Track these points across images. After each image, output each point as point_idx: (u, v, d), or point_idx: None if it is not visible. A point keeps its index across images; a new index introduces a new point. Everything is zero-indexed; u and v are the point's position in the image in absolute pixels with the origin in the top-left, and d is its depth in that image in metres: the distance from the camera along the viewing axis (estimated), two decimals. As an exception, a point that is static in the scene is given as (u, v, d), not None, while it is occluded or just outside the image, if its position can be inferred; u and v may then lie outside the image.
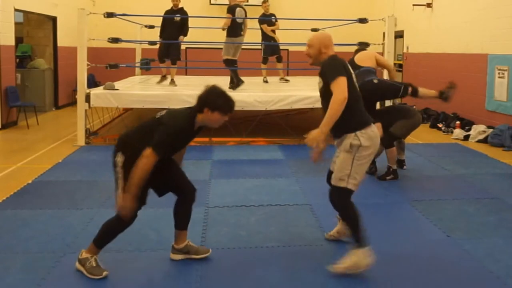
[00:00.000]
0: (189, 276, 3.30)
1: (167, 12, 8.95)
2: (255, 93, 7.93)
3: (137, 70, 12.09)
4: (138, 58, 11.91)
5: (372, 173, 5.81)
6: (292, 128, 8.02)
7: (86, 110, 7.62)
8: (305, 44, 3.43)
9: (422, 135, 8.42)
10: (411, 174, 6.00)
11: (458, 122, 8.93)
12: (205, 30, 11.14)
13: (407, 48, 12.26)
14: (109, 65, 8.22)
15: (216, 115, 3.13)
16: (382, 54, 8.52)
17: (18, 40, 10.90)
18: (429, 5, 10.90)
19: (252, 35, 10.05)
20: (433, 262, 3.52)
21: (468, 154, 7.23)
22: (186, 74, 12.37)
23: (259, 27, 10.19)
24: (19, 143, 7.76)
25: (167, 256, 3.53)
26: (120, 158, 3.17)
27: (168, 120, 3.13)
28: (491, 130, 8.11)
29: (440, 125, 9.49)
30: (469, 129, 8.60)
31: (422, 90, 5.64)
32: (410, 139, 6.56)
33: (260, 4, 10.86)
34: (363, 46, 8.05)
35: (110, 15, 8.17)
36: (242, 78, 8.60)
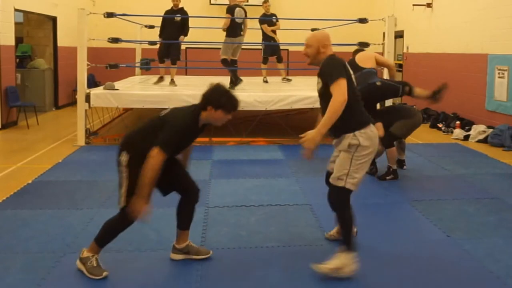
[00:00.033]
0: (189, 276, 3.30)
1: (167, 12, 8.94)
2: (255, 93, 7.93)
3: (137, 70, 12.09)
4: (138, 58, 11.91)
5: (373, 174, 5.81)
6: (292, 128, 8.02)
7: (86, 110, 7.62)
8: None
9: (422, 135, 8.42)
10: (411, 174, 6.00)
11: (458, 122, 8.93)
12: (205, 30, 11.14)
13: (407, 48, 12.26)
14: (109, 65, 8.22)
15: (220, 113, 3.13)
16: (382, 54, 8.53)
17: (18, 40, 10.90)
18: (429, 5, 10.90)
19: (252, 35, 10.06)
20: (433, 262, 3.52)
21: (468, 154, 7.23)
22: (186, 74, 12.37)
23: (259, 27, 10.18)
24: (19, 143, 7.76)
25: (167, 256, 3.53)
26: (124, 157, 3.16)
27: (172, 118, 3.13)
28: (491, 130, 8.11)
29: (440, 125, 9.49)
30: (469, 129, 8.60)
31: (417, 90, 5.69)
32: (410, 139, 6.56)
33: (260, 4, 10.87)
34: (363, 46, 8.08)
35: (110, 15, 8.17)
36: (242, 78, 8.60)
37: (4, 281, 3.19)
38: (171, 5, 8.89)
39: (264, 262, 3.50)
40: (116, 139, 7.82)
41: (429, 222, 4.33)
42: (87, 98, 7.58)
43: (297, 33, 10.46)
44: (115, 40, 8.37)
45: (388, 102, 7.53)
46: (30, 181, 5.50)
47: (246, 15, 8.94)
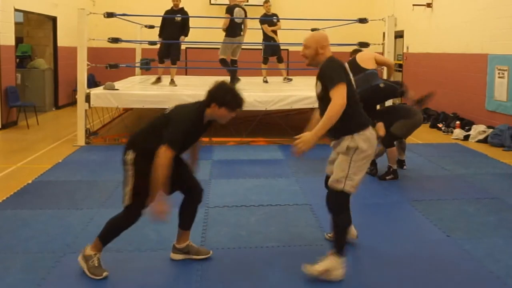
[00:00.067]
0: (189, 276, 3.30)
1: (167, 12, 8.93)
2: (255, 93, 7.93)
3: (137, 70, 12.09)
4: (138, 58, 11.91)
5: (373, 175, 5.81)
6: (292, 128, 8.01)
7: (86, 110, 7.62)
8: (305, 44, 3.40)
9: (422, 135, 8.42)
10: (411, 174, 6.00)
11: (458, 122, 8.93)
12: (205, 30, 11.14)
13: (407, 48, 12.26)
14: (109, 65, 8.22)
15: (223, 110, 3.13)
16: (382, 54, 8.53)
17: (18, 40, 10.90)
18: (429, 5, 10.90)
19: (252, 35, 10.05)
20: (433, 262, 3.52)
21: (468, 154, 7.23)
22: (186, 74, 12.37)
23: (259, 27, 10.18)
24: (19, 143, 7.76)
25: (167, 256, 3.53)
26: (130, 156, 3.16)
27: (176, 115, 3.13)
28: (491, 130, 8.11)
29: (440, 125, 9.49)
30: (469, 129, 8.60)
31: (411, 93, 5.83)
32: (410, 139, 6.56)
33: (261, 4, 10.86)
34: (363, 46, 8.07)
35: (110, 15, 8.17)
36: (243, 78, 8.61)
37: (4, 281, 3.19)
38: (171, 5, 8.88)
39: (264, 262, 3.50)
40: (116, 139, 7.83)
41: (429, 222, 4.33)
42: (87, 98, 7.58)
43: (297, 33, 10.45)
44: (115, 40, 8.37)
45: (388, 102, 7.53)
46: (30, 181, 5.50)
47: (246, 15, 8.94)
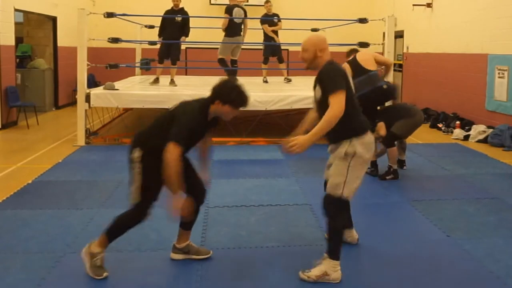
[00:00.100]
0: (189, 276, 3.30)
1: (167, 12, 8.93)
2: (255, 93, 7.92)
3: (137, 70, 12.09)
4: (138, 58, 11.91)
5: (374, 175, 5.81)
6: (292, 128, 8.00)
7: (86, 110, 7.62)
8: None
9: (422, 135, 8.42)
10: (411, 174, 6.00)
11: (458, 122, 8.93)
12: (205, 30, 11.15)
13: (407, 48, 12.26)
14: (109, 65, 8.22)
15: (227, 108, 3.12)
16: (382, 54, 8.53)
17: (18, 40, 10.90)
18: (429, 5, 10.90)
19: (252, 35, 10.05)
20: (433, 262, 3.52)
21: (468, 154, 7.23)
22: (186, 74, 12.37)
23: (259, 27, 10.17)
24: (19, 143, 7.76)
25: (167, 256, 3.53)
26: (137, 153, 3.16)
27: (181, 112, 3.12)
28: (491, 130, 8.11)
29: (440, 125, 9.49)
30: (469, 129, 8.60)
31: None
32: (410, 139, 6.56)
33: (260, 4, 10.85)
34: (363, 46, 8.07)
35: (110, 15, 8.17)
36: (243, 78, 8.60)
37: (4, 281, 3.19)
38: (171, 5, 8.88)
39: (264, 262, 3.50)
40: (116, 139, 7.83)
41: (429, 222, 4.33)
42: (87, 98, 7.59)
43: (297, 33, 10.45)
44: (115, 40, 8.37)
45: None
46: (30, 181, 5.50)
47: (246, 15, 8.94)
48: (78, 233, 3.99)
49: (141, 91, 8.26)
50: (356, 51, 6.02)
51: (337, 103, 3.01)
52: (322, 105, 3.14)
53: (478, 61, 8.93)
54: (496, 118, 8.37)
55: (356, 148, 3.13)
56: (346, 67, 5.58)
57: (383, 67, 6.30)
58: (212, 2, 13.82)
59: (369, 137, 3.22)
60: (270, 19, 10.06)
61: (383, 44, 8.68)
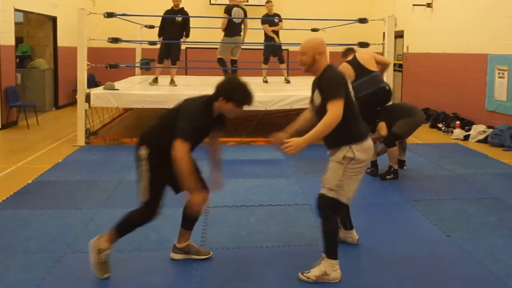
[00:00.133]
0: (189, 276, 3.30)
1: (167, 12, 8.91)
2: (255, 93, 7.87)
3: (137, 70, 12.08)
4: (138, 58, 11.91)
5: (374, 175, 5.81)
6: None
7: (86, 110, 7.62)
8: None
9: (422, 135, 8.42)
10: (411, 174, 6.00)
11: (458, 122, 8.93)
12: (205, 30, 11.14)
13: (407, 48, 12.26)
14: (109, 65, 8.22)
15: (230, 105, 3.11)
16: (382, 54, 8.53)
17: (18, 40, 10.90)
18: (429, 5, 10.90)
19: (253, 35, 10.05)
20: (433, 262, 3.52)
21: (468, 154, 7.23)
22: (186, 74, 12.37)
23: (260, 27, 10.17)
24: (19, 143, 7.76)
25: (167, 256, 3.53)
26: (144, 151, 3.16)
27: (185, 107, 3.13)
28: (491, 130, 8.11)
29: (440, 125, 9.49)
30: (469, 129, 8.60)
31: None
32: (410, 139, 6.56)
33: (260, 4, 10.84)
34: (363, 46, 8.08)
35: (110, 15, 8.17)
36: (243, 78, 8.60)
37: (4, 281, 3.19)
38: (171, 5, 8.87)
39: (264, 262, 3.50)
40: (116, 139, 7.82)
41: (429, 222, 4.33)
42: (87, 98, 7.59)
43: (297, 33, 10.47)
44: (115, 40, 8.37)
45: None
46: (30, 181, 5.50)
47: (246, 15, 8.94)
48: (78, 233, 3.99)
49: (141, 91, 8.26)
50: (352, 50, 5.96)
51: (335, 110, 3.00)
52: (320, 111, 3.13)
53: (478, 61, 8.93)
54: (496, 118, 8.37)
55: (354, 153, 3.12)
56: (347, 67, 5.57)
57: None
58: (212, 2, 13.82)
59: (368, 143, 3.22)
60: (270, 19, 10.06)
61: (383, 44, 8.68)
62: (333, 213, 3.20)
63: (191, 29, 8.95)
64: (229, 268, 3.42)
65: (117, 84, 8.47)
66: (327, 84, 3.11)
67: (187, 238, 3.49)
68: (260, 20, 10.08)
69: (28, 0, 10.02)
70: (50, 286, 3.16)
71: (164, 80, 9.21)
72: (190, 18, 8.94)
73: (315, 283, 3.17)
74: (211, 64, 11.99)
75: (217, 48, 9.20)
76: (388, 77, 7.45)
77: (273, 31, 10.01)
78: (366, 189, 5.22)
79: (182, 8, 8.93)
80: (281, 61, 10.25)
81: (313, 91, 3.28)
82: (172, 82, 8.94)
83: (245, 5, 10.44)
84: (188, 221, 3.46)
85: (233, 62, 9.09)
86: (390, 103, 6.22)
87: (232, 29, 8.78)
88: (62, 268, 3.38)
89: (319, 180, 3.26)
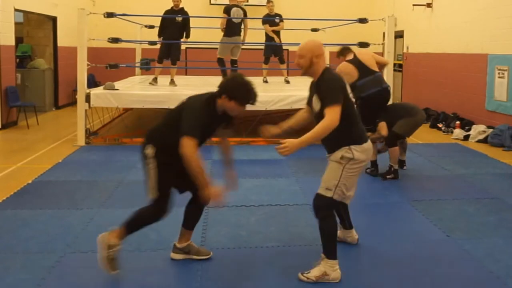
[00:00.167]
0: (189, 276, 3.30)
1: (167, 12, 8.91)
2: (255, 93, 7.91)
3: (137, 70, 12.08)
4: (138, 58, 11.91)
5: (374, 175, 5.81)
6: (292, 128, 8.00)
7: (86, 110, 7.62)
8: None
9: (422, 135, 8.42)
10: (411, 174, 6.00)
11: (458, 122, 8.93)
12: (205, 30, 11.15)
13: (407, 48, 12.26)
14: (109, 65, 8.22)
15: (233, 104, 3.11)
16: (382, 54, 8.54)
17: (18, 40, 10.90)
18: (429, 5, 10.90)
19: (253, 35, 10.05)
20: (433, 262, 3.52)
21: (468, 154, 7.23)
22: (186, 74, 12.37)
23: (260, 27, 10.17)
24: (19, 143, 7.76)
25: (167, 256, 3.53)
26: (150, 150, 3.16)
27: (189, 105, 3.13)
28: (491, 130, 8.11)
29: (440, 125, 9.49)
30: (469, 129, 8.60)
31: None
32: (410, 139, 6.56)
33: (260, 4, 10.83)
34: (363, 46, 8.07)
35: (110, 15, 8.17)
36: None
37: (4, 281, 3.19)
38: (171, 5, 8.87)
39: (264, 262, 3.50)
40: (116, 139, 7.82)
41: (429, 222, 4.33)
42: (87, 98, 7.58)
43: (297, 33, 10.47)
44: (115, 40, 8.37)
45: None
46: (30, 181, 5.50)
47: (245, 15, 8.94)
48: (78, 233, 3.99)
49: (141, 91, 8.26)
50: (350, 50, 5.94)
51: (332, 115, 3.00)
52: (319, 115, 3.13)
53: (478, 61, 8.93)
54: (496, 118, 8.37)
55: (354, 153, 3.13)
56: (349, 67, 5.55)
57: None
58: (212, 2, 13.82)
59: (367, 144, 3.23)
60: (271, 19, 10.05)
61: (383, 44, 8.68)
62: (330, 212, 3.21)
63: (191, 29, 8.95)
64: (229, 268, 3.42)
65: (117, 84, 8.47)
66: (326, 88, 3.11)
67: (188, 238, 3.49)
68: (260, 20, 10.09)
69: (28, 0, 10.02)
70: (50, 286, 3.16)
71: (164, 80, 9.21)
72: (190, 18, 8.94)
73: (315, 283, 3.17)
74: (211, 64, 11.99)
75: (217, 48, 9.20)
76: (388, 77, 7.44)
77: (274, 31, 10.00)
78: (366, 189, 5.23)
79: (182, 8, 8.93)
80: (281, 61, 10.25)
81: (311, 94, 3.28)
82: (172, 82, 8.94)
83: (245, 5, 10.44)
84: (190, 220, 3.46)
85: (233, 62, 9.08)
86: (390, 103, 6.23)
87: (232, 29, 8.79)
88: (62, 268, 3.38)
89: (319, 180, 3.26)
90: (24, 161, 6.53)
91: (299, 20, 10.34)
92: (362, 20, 8.59)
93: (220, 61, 8.83)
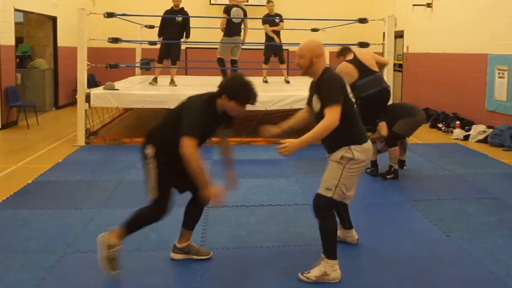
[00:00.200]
0: (189, 276, 3.30)
1: (167, 12, 8.91)
2: (255, 93, 7.91)
3: (137, 70, 12.08)
4: (138, 58, 11.91)
5: (374, 175, 5.81)
6: (292, 128, 8.00)
7: (86, 110, 7.62)
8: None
9: (422, 135, 8.42)
10: (411, 174, 6.00)
11: (458, 122, 8.93)
12: (205, 30, 11.15)
13: (407, 48, 12.26)
14: (109, 65, 8.22)
15: (233, 104, 3.11)
16: (382, 54, 8.54)
17: (18, 40, 10.90)
18: (429, 5, 10.90)
19: (253, 35, 10.05)
20: (433, 262, 3.52)
21: (468, 154, 7.23)
22: (186, 74, 12.37)
23: (260, 27, 10.17)
24: (19, 143, 7.76)
25: (167, 256, 3.53)
26: (150, 150, 3.16)
27: (188, 105, 3.13)
28: (491, 130, 8.11)
29: (440, 125, 9.49)
30: (469, 129, 8.60)
31: None
32: (410, 139, 6.56)
33: (260, 4, 10.83)
34: (363, 46, 8.06)
35: (110, 15, 8.17)
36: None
37: (4, 281, 3.19)
38: (171, 5, 8.87)
39: (264, 262, 3.50)
40: (116, 139, 7.82)
41: (429, 222, 4.33)
42: (87, 98, 7.58)
43: (297, 33, 10.46)
44: (115, 40, 8.37)
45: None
46: (30, 181, 5.50)
47: (246, 15, 8.94)
48: (78, 233, 3.99)
49: (141, 91, 8.26)
50: (350, 50, 5.93)
51: (332, 116, 3.00)
52: (319, 115, 3.13)
53: (478, 61, 8.93)
54: (496, 118, 8.37)
55: (354, 153, 3.13)
56: (349, 66, 5.55)
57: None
58: (212, 2, 13.82)
59: (367, 144, 3.23)
60: (271, 19, 10.05)
61: (383, 44, 8.68)
62: (330, 212, 3.21)
63: (191, 29, 8.95)
64: (229, 268, 3.42)
65: (117, 84, 8.47)
66: (326, 88, 3.11)
67: (188, 238, 3.49)
68: (260, 20, 10.09)
69: (28, 0, 10.02)
70: (50, 286, 3.16)
71: (164, 80, 9.21)
72: (190, 18, 8.94)
73: (315, 283, 3.17)
74: (211, 64, 11.98)
75: (217, 48, 9.20)
76: (388, 77, 7.44)
77: (274, 31, 10.00)
78: (366, 189, 5.23)
79: (182, 8, 8.93)
80: (281, 61, 10.25)
81: (311, 94, 3.28)
82: (172, 82, 8.94)
83: (245, 5, 10.44)
84: (190, 220, 3.46)
85: (233, 62, 9.09)
86: (390, 103, 6.22)
87: (231, 29, 8.79)
88: (62, 268, 3.38)
89: (319, 180, 3.26)
90: (24, 161, 6.53)
91: (299, 20, 10.34)
92: (362, 20, 8.59)
93: (220, 61, 8.84)
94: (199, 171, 2.98)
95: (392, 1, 12.81)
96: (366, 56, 5.78)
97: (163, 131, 3.21)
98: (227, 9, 8.71)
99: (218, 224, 4.23)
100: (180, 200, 3.42)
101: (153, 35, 9.85)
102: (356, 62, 5.62)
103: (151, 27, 10.37)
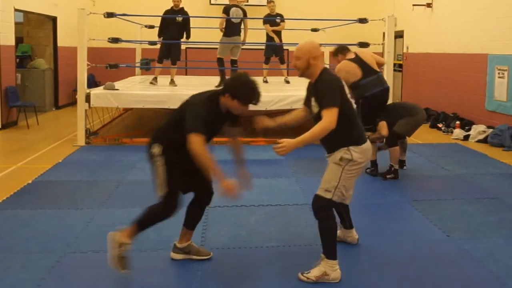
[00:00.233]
0: (189, 276, 3.30)
1: (167, 12, 8.91)
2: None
3: (137, 70, 12.08)
4: (138, 58, 11.91)
5: (374, 175, 5.81)
6: (292, 128, 8.00)
7: (86, 110, 7.62)
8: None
9: (422, 135, 8.41)
10: (411, 174, 6.00)
11: (458, 122, 8.93)
12: (205, 30, 11.15)
13: (407, 48, 12.26)
14: (109, 65, 8.22)
15: (235, 103, 3.10)
16: (382, 54, 8.55)
17: (18, 40, 10.90)
18: (429, 5, 10.90)
19: (253, 35, 10.05)
20: (433, 262, 3.52)
21: (468, 154, 7.23)
22: (186, 74, 12.37)
23: (260, 27, 10.17)
24: (19, 143, 7.76)
25: (167, 256, 3.53)
26: (157, 149, 3.17)
27: (191, 102, 3.14)
28: (491, 130, 8.11)
29: (440, 125, 9.49)
30: (469, 129, 8.60)
31: None
32: (410, 139, 6.56)
33: (260, 4, 10.82)
34: (363, 46, 8.06)
35: (110, 15, 8.17)
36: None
37: (4, 281, 3.19)
38: (171, 5, 8.87)
39: (264, 262, 3.50)
40: (116, 139, 7.82)
41: (429, 222, 4.33)
42: (87, 98, 7.58)
43: (297, 33, 10.46)
44: (115, 40, 8.37)
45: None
46: (30, 181, 5.50)
47: (245, 15, 8.94)
48: (78, 233, 3.99)
49: (141, 91, 8.26)
50: (348, 49, 5.90)
51: (329, 117, 3.00)
52: (317, 116, 3.12)
53: (478, 61, 8.94)
54: (496, 118, 8.37)
55: (353, 154, 3.13)
56: (351, 65, 5.51)
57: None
58: (212, 2, 13.82)
59: (366, 145, 3.23)
60: (272, 19, 10.05)
61: (383, 44, 8.68)
62: (328, 213, 3.21)
63: (191, 29, 8.95)
64: (229, 268, 3.43)
65: (117, 84, 8.47)
66: (323, 89, 3.10)
67: (188, 238, 3.49)
68: (260, 20, 10.09)
69: (28, 0, 10.02)
70: (50, 286, 3.16)
71: (164, 80, 9.21)
72: (190, 18, 8.93)
73: (315, 283, 3.17)
74: (211, 64, 11.97)
75: (217, 48, 9.20)
76: (388, 77, 7.44)
77: (275, 32, 10.00)
78: (366, 189, 5.23)
79: (182, 8, 8.93)
80: (281, 61, 10.25)
81: (309, 96, 3.27)
82: (172, 82, 8.94)
83: (245, 5, 10.44)
84: (191, 220, 3.46)
85: (233, 62, 9.08)
86: (389, 102, 6.23)
87: (231, 29, 8.78)
88: (62, 268, 3.38)
89: (319, 180, 3.26)
90: (24, 161, 6.53)
91: (299, 20, 10.34)
92: (362, 20, 8.59)
93: (220, 61, 8.83)
94: (210, 164, 2.97)
95: (392, 1, 12.82)
96: (367, 55, 5.77)
97: (168, 130, 3.22)
98: (227, 9, 8.71)
99: (218, 224, 4.23)
100: (181, 200, 3.41)
101: (153, 35, 9.85)
102: (359, 61, 5.59)
103: (151, 27, 10.37)
